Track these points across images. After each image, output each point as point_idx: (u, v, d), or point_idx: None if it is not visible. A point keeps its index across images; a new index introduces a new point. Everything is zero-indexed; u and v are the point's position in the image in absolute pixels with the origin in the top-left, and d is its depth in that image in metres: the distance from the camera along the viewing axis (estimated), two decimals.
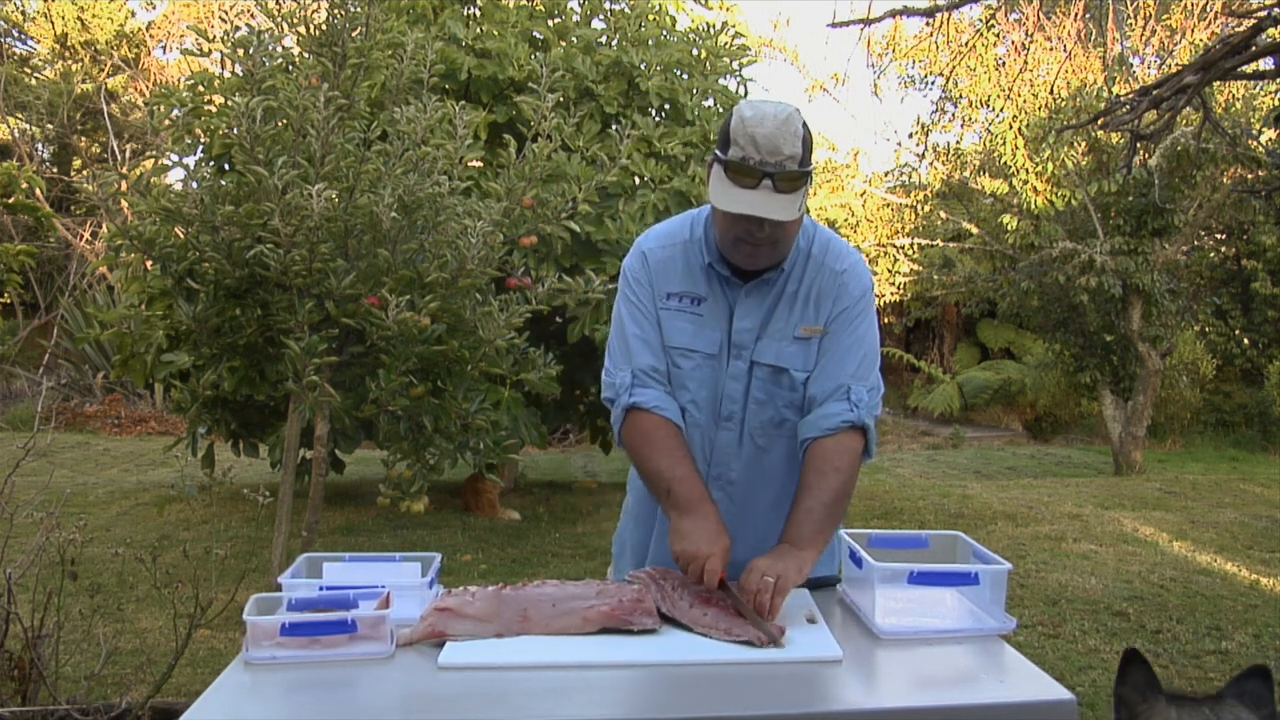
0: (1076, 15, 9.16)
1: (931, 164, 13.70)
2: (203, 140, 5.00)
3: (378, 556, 1.72)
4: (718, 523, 1.68)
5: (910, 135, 13.95)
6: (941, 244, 14.08)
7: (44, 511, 2.69)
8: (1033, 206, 10.69)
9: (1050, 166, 10.24)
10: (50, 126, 14.70)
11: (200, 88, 5.10)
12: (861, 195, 14.86)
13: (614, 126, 5.80)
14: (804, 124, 1.67)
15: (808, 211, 1.84)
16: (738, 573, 1.74)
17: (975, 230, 13.12)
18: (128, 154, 13.99)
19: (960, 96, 12.20)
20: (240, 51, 3.53)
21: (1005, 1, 9.20)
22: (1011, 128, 10.43)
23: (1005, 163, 10.80)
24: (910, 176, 14.66)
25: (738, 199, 1.66)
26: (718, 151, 1.70)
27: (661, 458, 1.75)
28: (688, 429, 1.84)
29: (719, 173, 1.68)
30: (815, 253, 1.82)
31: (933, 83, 13.21)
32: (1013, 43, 11.44)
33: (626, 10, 6.67)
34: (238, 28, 3.90)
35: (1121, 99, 4.99)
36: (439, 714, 1.29)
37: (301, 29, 3.55)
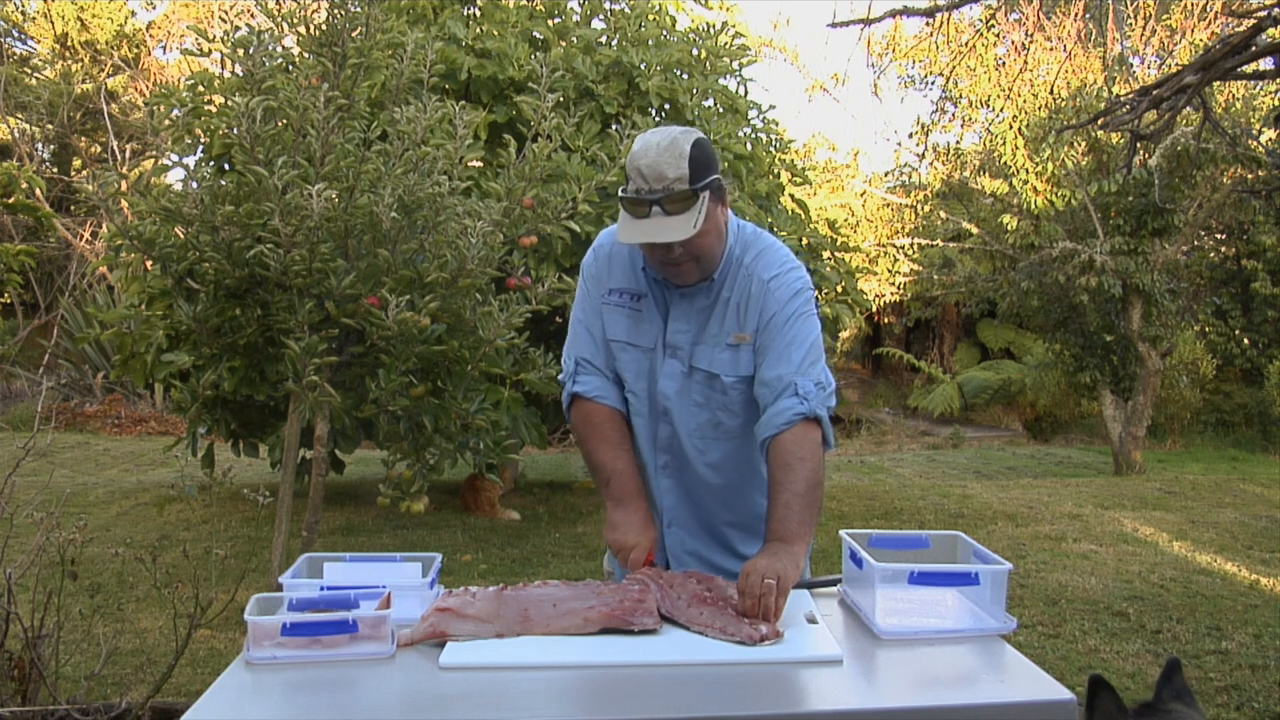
0: (1076, 15, 9.15)
1: (931, 164, 13.72)
2: (203, 140, 4.99)
3: (378, 556, 1.72)
4: (646, 516, 1.85)
5: (910, 135, 13.98)
6: (941, 244, 14.09)
7: (44, 511, 2.70)
8: (1033, 206, 10.69)
9: (1050, 166, 10.24)
10: (50, 126, 14.70)
11: (200, 88, 5.10)
12: (861, 195, 14.89)
13: (614, 126, 5.78)
14: (695, 143, 1.73)
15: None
16: (685, 559, 1.94)
17: (975, 230, 13.12)
18: (128, 154, 13.99)
19: (960, 96, 12.22)
20: (240, 51, 3.53)
21: (1005, 1, 9.20)
22: (1011, 128, 10.43)
23: (1005, 163, 10.81)
24: (910, 176, 14.68)
25: (633, 230, 1.75)
26: (620, 191, 1.79)
27: (605, 450, 1.90)
28: (631, 417, 1.95)
29: (621, 209, 1.77)
30: (748, 262, 1.87)
31: (933, 83, 13.22)
32: (1013, 43, 11.44)
33: (626, 10, 6.67)
34: (238, 28, 3.90)
35: (1121, 99, 4.99)
36: (440, 714, 1.29)
37: (301, 29, 3.56)
